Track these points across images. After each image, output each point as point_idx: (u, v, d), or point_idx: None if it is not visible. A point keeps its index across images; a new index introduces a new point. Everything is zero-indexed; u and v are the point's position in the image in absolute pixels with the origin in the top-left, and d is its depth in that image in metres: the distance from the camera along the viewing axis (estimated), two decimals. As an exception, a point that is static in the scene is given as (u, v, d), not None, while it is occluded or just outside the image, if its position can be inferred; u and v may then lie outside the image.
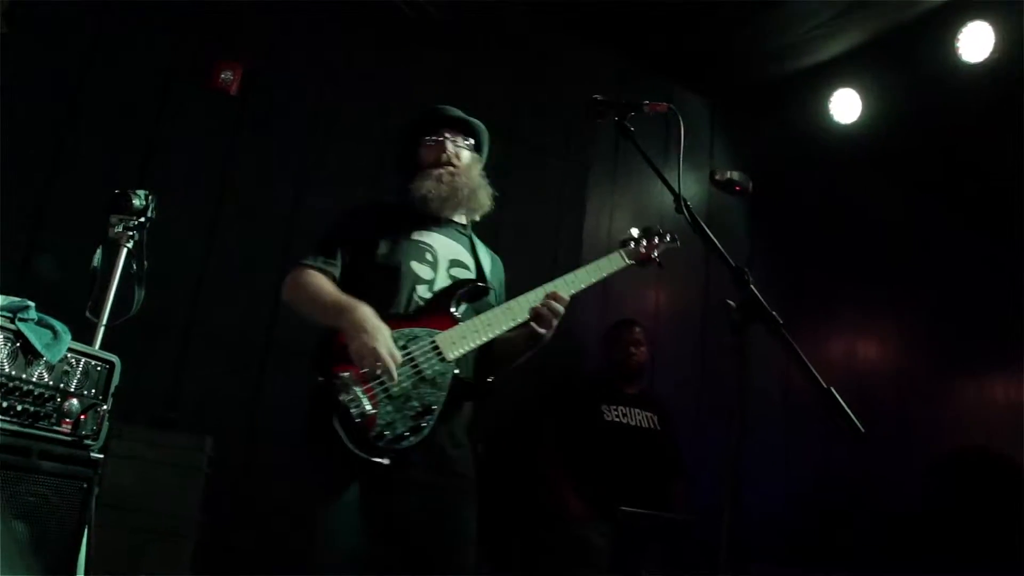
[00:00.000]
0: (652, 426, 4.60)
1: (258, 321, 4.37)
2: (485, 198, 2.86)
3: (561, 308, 2.58)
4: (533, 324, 2.56)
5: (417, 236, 2.67)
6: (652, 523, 4.03)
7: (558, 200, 5.35)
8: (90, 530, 2.57)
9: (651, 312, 5.53)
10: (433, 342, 2.44)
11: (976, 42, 4.88)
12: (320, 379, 2.34)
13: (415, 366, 2.39)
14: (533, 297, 2.59)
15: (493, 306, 2.62)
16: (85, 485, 2.57)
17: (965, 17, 4.86)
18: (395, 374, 2.32)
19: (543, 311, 2.56)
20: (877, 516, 5.57)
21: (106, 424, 2.67)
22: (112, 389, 2.73)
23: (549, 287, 2.62)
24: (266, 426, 4.18)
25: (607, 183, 5.58)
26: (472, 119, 2.95)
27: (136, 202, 3.11)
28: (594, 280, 2.74)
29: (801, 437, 5.63)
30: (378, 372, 2.30)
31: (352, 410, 2.27)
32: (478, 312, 2.59)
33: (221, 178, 4.47)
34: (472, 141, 2.93)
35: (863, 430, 1.70)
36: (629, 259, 2.86)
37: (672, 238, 2.96)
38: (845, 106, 5.62)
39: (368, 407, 2.29)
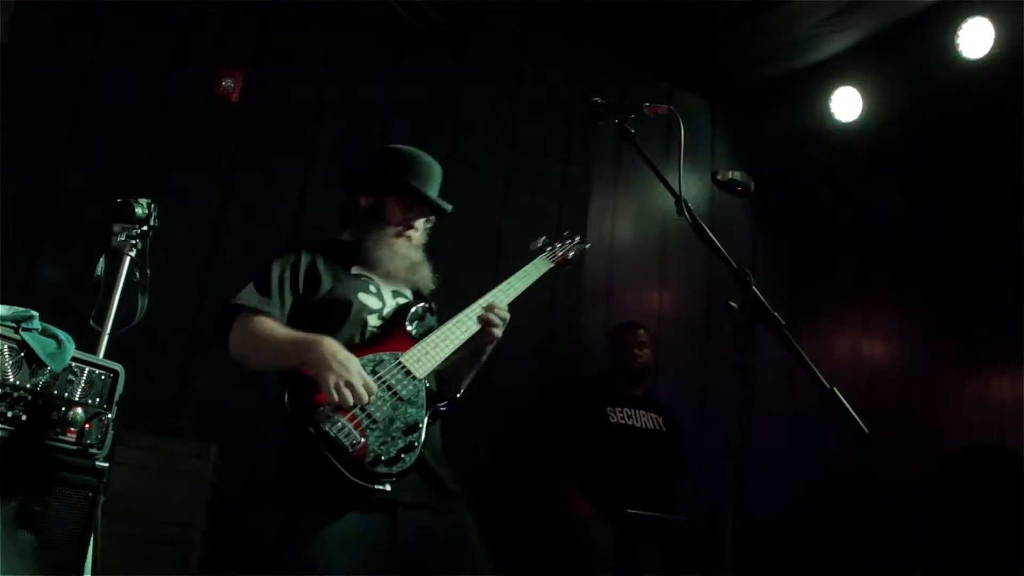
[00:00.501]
0: (657, 427, 4.60)
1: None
2: (422, 277, 2.79)
3: (505, 315, 2.64)
4: (486, 332, 2.61)
5: (356, 271, 2.68)
6: (657, 525, 4.02)
7: (560, 203, 5.35)
8: (95, 539, 2.57)
9: (654, 313, 5.52)
10: (400, 363, 2.46)
11: (976, 38, 4.87)
12: (308, 426, 2.26)
13: (390, 388, 2.39)
14: (477, 308, 2.64)
15: (435, 327, 2.64)
16: (90, 494, 2.57)
17: (965, 13, 4.84)
18: (374, 392, 2.32)
19: (491, 318, 2.61)
20: (882, 516, 5.55)
21: (111, 433, 2.67)
22: (117, 398, 2.73)
23: (487, 298, 2.68)
24: (271, 434, 4.17)
25: (609, 185, 5.58)
26: (448, 208, 2.86)
27: (139, 211, 3.11)
28: (525, 287, 2.81)
29: (807, 437, 5.62)
30: (356, 402, 2.28)
31: (344, 441, 2.24)
32: (426, 332, 2.61)
33: (223, 186, 4.48)
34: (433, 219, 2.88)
35: (867, 431, 1.70)
36: (551, 263, 2.97)
37: (581, 239, 3.13)
38: (846, 104, 5.61)
39: (357, 436, 2.26)
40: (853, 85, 5.57)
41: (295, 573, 2.25)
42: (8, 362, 2.46)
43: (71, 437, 2.57)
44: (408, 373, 2.45)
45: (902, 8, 4.87)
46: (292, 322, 2.53)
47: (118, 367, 2.75)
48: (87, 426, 2.60)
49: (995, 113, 5.15)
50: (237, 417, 4.17)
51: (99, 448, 2.63)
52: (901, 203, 6.49)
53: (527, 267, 2.88)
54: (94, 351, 2.89)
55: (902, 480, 5.62)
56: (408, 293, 2.76)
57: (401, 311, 2.63)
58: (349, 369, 2.30)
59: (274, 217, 4.53)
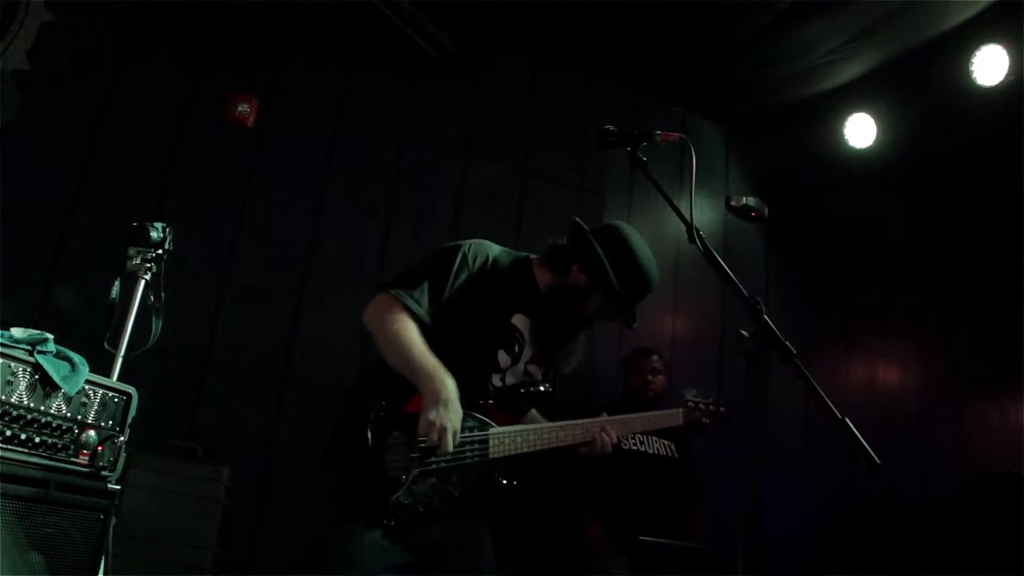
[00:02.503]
0: (670, 454, 4.57)
1: (276, 352, 4.40)
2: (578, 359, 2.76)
3: (609, 447, 2.70)
4: (590, 444, 2.67)
5: (515, 319, 2.60)
6: (670, 552, 3.99)
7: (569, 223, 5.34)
8: (107, 561, 2.57)
9: (668, 340, 5.51)
10: (485, 435, 2.45)
11: (990, 65, 4.86)
12: (383, 403, 2.31)
13: (460, 450, 2.38)
14: (588, 425, 2.67)
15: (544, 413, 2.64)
16: (102, 516, 2.57)
17: (979, 41, 4.84)
18: (447, 452, 2.31)
19: (597, 443, 2.67)
20: (898, 543, 5.50)
21: (123, 455, 2.68)
22: (129, 420, 2.74)
23: (606, 421, 2.72)
24: (284, 457, 4.18)
25: (623, 212, 5.59)
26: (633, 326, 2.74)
27: (154, 234, 3.13)
28: (647, 429, 2.98)
29: (822, 462, 5.58)
30: (435, 447, 2.28)
31: (390, 468, 2.27)
32: (537, 412, 2.62)
33: (238, 210, 4.51)
34: None
35: (878, 461, 1.68)
36: (683, 419, 3.08)
37: (726, 412, 3.17)
38: (860, 131, 5.61)
39: (401, 472, 2.28)
40: (867, 111, 5.57)
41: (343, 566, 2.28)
42: (22, 384, 2.48)
43: (84, 459, 2.58)
44: (484, 447, 2.44)
45: (916, 35, 4.87)
46: (430, 332, 2.46)
47: (131, 390, 2.76)
48: (100, 448, 2.61)
49: (1011, 140, 5.13)
50: (250, 440, 4.18)
51: (111, 470, 2.64)
52: (916, 229, 6.47)
53: (664, 412, 3.01)
54: (108, 374, 2.90)
55: (918, 507, 5.57)
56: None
57: (521, 388, 2.60)
58: (451, 418, 2.29)
59: (288, 242, 4.56)
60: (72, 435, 2.57)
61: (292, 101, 4.75)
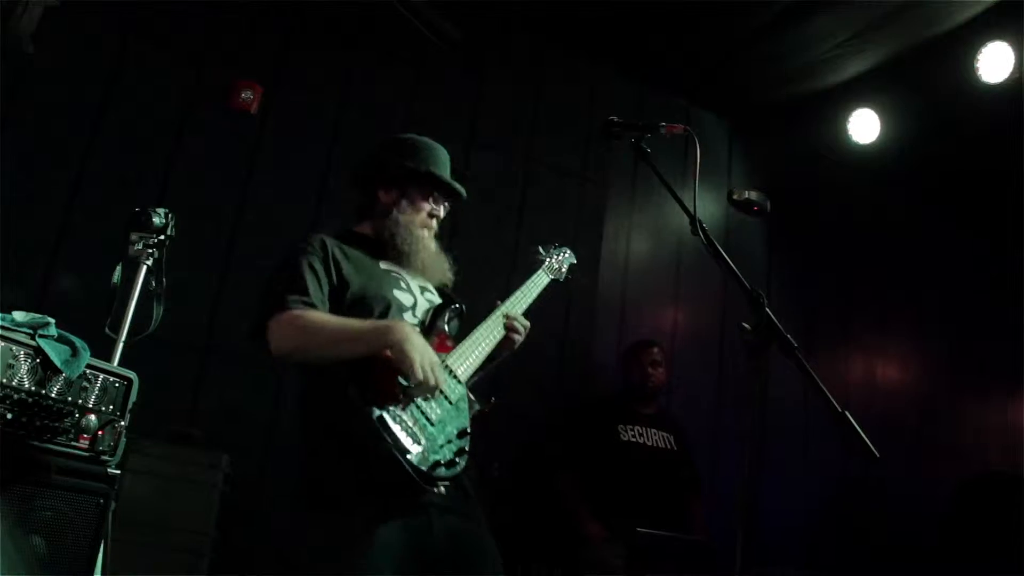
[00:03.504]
0: (669, 446, 4.58)
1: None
2: (443, 270, 2.75)
3: (526, 323, 2.69)
4: (510, 337, 2.64)
5: (385, 266, 2.61)
6: (668, 543, 4.00)
7: (576, 220, 5.35)
8: (106, 545, 2.58)
9: (669, 331, 5.51)
10: (445, 365, 2.39)
11: (996, 62, 4.86)
12: (378, 412, 2.15)
13: (442, 391, 2.34)
14: (499, 316, 2.65)
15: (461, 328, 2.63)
16: (101, 501, 2.58)
17: (985, 37, 4.83)
18: (430, 400, 2.28)
19: (515, 325, 2.64)
20: (896, 537, 5.51)
21: (123, 440, 2.69)
22: (130, 405, 2.75)
23: (502, 310, 2.68)
24: (283, 444, 4.19)
25: (625, 203, 5.59)
26: (463, 192, 2.80)
27: (156, 220, 3.14)
28: (531, 300, 2.82)
29: (822, 454, 5.59)
30: (428, 390, 2.23)
31: (405, 441, 2.15)
32: (462, 336, 2.58)
33: (240, 196, 4.51)
34: (447, 205, 2.81)
35: (877, 454, 1.69)
36: (550, 275, 2.98)
37: (570, 254, 3.11)
38: (864, 126, 5.60)
39: (419, 435, 2.20)
40: (871, 107, 5.57)
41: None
42: (23, 368, 2.49)
43: (84, 444, 2.59)
44: (453, 376, 2.41)
45: (922, 31, 4.86)
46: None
47: (132, 375, 2.77)
48: (100, 433, 2.62)
49: (1015, 138, 5.12)
50: (249, 426, 4.18)
51: (111, 455, 2.65)
52: (918, 226, 6.47)
53: (529, 281, 2.89)
54: (109, 359, 2.91)
55: (916, 502, 5.58)
56: (432, 288, 2.71)
57: (438, 310, 2.57)
58: (427, 351, 2.25)
59: (290, 229, 4.56)
60: (72, 419, 2.58)
61: (295, 88, 4.74)
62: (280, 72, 4.73)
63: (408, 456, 2.14)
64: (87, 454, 2.60)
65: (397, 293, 2.54)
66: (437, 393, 2.29)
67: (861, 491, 5.50)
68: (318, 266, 2.45)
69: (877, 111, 5.55)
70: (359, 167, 2.81)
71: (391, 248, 2.64)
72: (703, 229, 2.16)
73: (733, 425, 5.34)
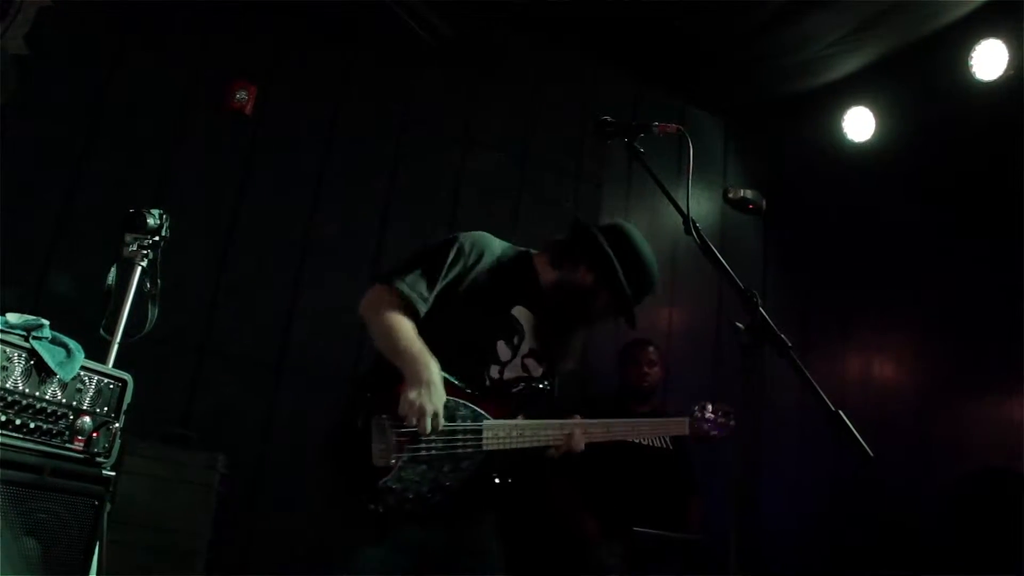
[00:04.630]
0: (665, 445, 4.58)
1: (272, 340, 4.39)
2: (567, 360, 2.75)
3: (580, 447, 2.68)
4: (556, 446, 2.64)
5: (515, 311, 2.60)
6: (664, 543, 4.00)
7: (571, 220, 5.34)
8: (101, 547, 2.58)
9: (664, 331, 5.51)
10: (479, 426, 2.43)
11: (989, 60, 4.86)
12: (369, 395, 2.30)
13: (452, 439, 2.37)
14: (586, 426, 2.67)
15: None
16: (96, 502, 2.58)
17: (978, 35, 4.83)
18: (430, 438, 2.31)
19: (569, 446, 2.65)
20: (892, 536, 5.52)
21: (118, 442, 2.69)
22: (125, 407, 2.75)
23: (594, 423, 2.71)
24: (278, 445, 4.19)
25: (621, 201, 5.59)
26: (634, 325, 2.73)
27: (151, 221, 3.13)
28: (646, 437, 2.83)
29: (817, 454, 5.59)
30: (416, 428, 2.26)
31: (375, 452, 2.24)
32: (532, 412, 2.59)
33: (235, 198, 4.51)
34: None
35: (871, 454, 1.69)
36: (688, 431, 2.98)
37: (733, 415, 2.94)
38: (859, 124, 5.60)
39: (390, 457, 2.26)
40: (866, 105, 5.56)
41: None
42: (18, 370, 2.48)
43: (78, 445, 2.59)
44: (478, 439, 2.42)
45: (916, 29, 4.86)
46: (427, 322, 2.46)
47: (127, 376, 2.77)
48: (95, 435, 2.62)
49: (1010, 135, 5.12)
50: (245, 427, 4.18)
51: (106, 457, 2.65)
52: (914, 223, 6.47)
53: (665, 419, 2.98)
54: (104, 360, 2.90)
55: (914, 502, 5.58)
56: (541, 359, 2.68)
57: (520, 383, 2.58)
58: (432, 398, 2.28)
59: (285, 229, 4.55)
60: (67, 421, 2.58)
61: (291, 88, 4.74)
62: (275, 72, 4.72)
63: (367, 460, 2.24)
64: (82, 456, 2.60)
65: (501, 345, 2.56)
66: (435, 432, 2.30)
67: (858, 491, 5.50)
68: (452, 273, 2.51)
69: (872, 109, 5.55)
70: (592, 231, 2.72)
71: (546, 311, 2.63)
72: (696, 229, 2.16)
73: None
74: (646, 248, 2.72)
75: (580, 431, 2.65)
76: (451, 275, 2.50)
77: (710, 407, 2.96)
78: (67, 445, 2.57)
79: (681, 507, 4.50)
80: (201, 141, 4.48)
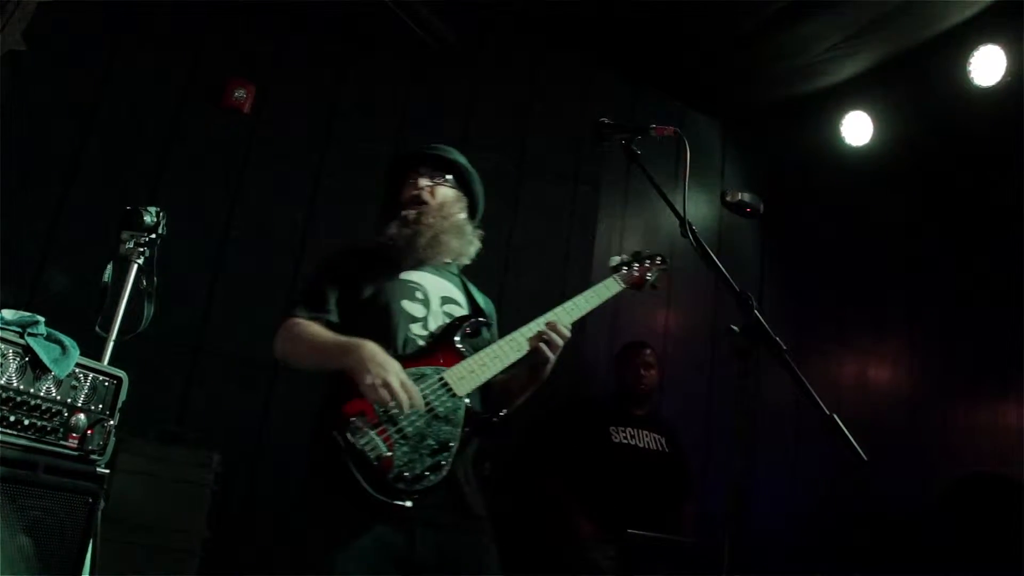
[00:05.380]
0: (660, 448, 4.58)
1: (267, 338, 4.37)
2: (460, 243, 2.74)
3: (563, 337, 2.55)
4: (541, 351, 2.52)
5: (404, 276, 2.61)
6: (659, 545, 4.00)
7: (568, 221, 5.35)
8: (95, 544, 2.58)
9: (660, 333, 5.52)
10: (442, 379, 2.39)
11: (988, 66, 4.87)
12: (335, 434, 2.22)
13: (427, 404, 2.32)
14: (535, 327, 2.55)
15: (491, 342, 2.57)
16: (90, 500, 2.58)
17: (977, 41, 4.85)
18: (418, 400, 2.27)
19: (548, 338, 2.52)
20: (884, 538, 5.52)
21: (112, 439, 2.69)
22: (119, 404, 2.74)
23: (549, 316, 2.59)
24: (273, 444, 4.19)
25: (618, 204, 5.59)
26: (455, 158, 2.82)
27: (147, 218, 3.13)
28: (592, 307, 2.71)
29: (811, 457, 5.60)
30: (392, 406, 2.23)
31: (369, 454, 2.20)
32: (478, 348, 2.52)
33: (232, 196, 4.51)
34: (450, 177, 2.80)
35: (865, 457, 1.69)
36: (623, 284, 2.85)
37: (662, 260, 2.98)
38: (857, 128, 5.61)
39: (384, 450, 2.22)
40: (864, 109, 5.58)
41: None
42: (12, 366, 2.48)
43: (73, 443, 2.59)
44: (448, 390, 2.38)
45: (915, 34, 4.87)
46: (337, 328, 2.47)
47: (122, 374, 2.77)
48: (89, 432, 2.61)
49: (1007, 141, 5.14)
50: (239, 426, 4.18)
51: (100, 454, 2.65)
52: (911, 228, 6.48)
53: (598, 286, 2.79)
54: (99, 358, 2.90)
55: (907, 505, 5.59)
56: (462, 300, 2.69)
57: (452, 325, 2.54)
58: (387, 370, 2.25)
59: (282, 229, 4.55)
60: (61, 418, 2.57)
61: (289, 88, 4.74)
62: (273, 71, 4.72)
63: (367, 469, 2.19)
64: (76, 453, 2.59)
65: (407, 304, 2.54)
66: (420, 402, 2.29)
67: (852, 493, 5.50)
68: (333, 278, 2.56)
69: (870, 113, 5.56)
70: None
71: (402, 250, 2.65)
72: (692, 231, 2.16)
73: (724, 427, 5.35)
74: None
75: (542, 329, 2.56)
76: (334, 281, 2.56)
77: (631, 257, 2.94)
78: (61, 442, 2.57)
79: (675, 509, 4.51)
80: (199, 139, 4.48)
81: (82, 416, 2.61)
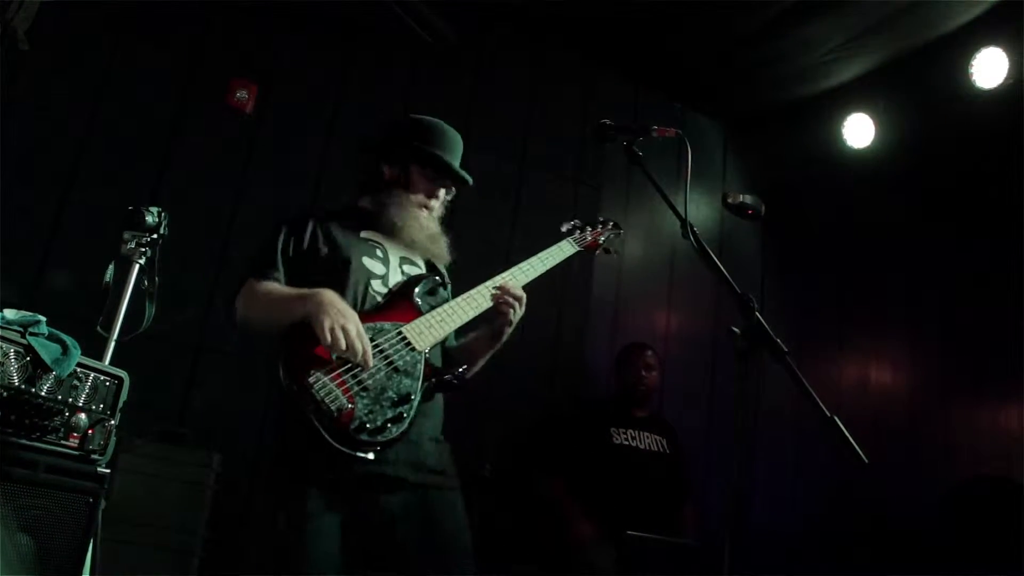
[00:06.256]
0: (661, 450, 4.58)
1: (268, 338, 4.38)
2: (443, 249, 2.74)
3: (519, 294, 2.60)
4: (502, 311, 2.57)
5: (365, 234, 2.62)
6: (659, 547, 4.00)
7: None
8: (96, 544, 2.58)
9: (661, 335, 5.51)
10: (400, 333, 2.40)
11: (990, 68, 4.87)
12: (292, 385, 2.21)
13: (386, 357, 2.33)
14: (491, 285, 2.60)
15: (448, 300, 2.60)
16: (91, 499, 2.58)
17: (979, 43, 4.84)
18: (369, 355, 2.26)
19: (505, 298, 2.57)
20: (885, 542, 5.52)
21: (113, 439, 2.69)
22: (120, 404, 2.74)
23: (502, 276, 2.64)
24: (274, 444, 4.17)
25: (619, 204, 5.59)
26: (470, 180, 2.82)
27: (149, 219, 3.14)
28: (545, 269, 2.78)
29: (812, 459, 5.60)
30: (348, 354, 2.23)
31: (330, 405, 2.18)
32: (435, 307, 2.54)
33: (234, 196, 4.51)
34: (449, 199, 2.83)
35: (866, 460, 1.69)
36: (577, 247, 2.93)
37: (614, 225, 3.08)
38: (858, 131, 5.61)
39: (344, 401, 2.20)
40: (866, 112, 5.57)
41: (296, 566, 2.21)
42: (13, 366, 2.48)
43: (73, 442, 2.59)
44: (407, 344, 2.39)
45: (916, 37, 4.87)
46: (292, 283, 2.46)
47: (123, 374, 2.77)
48: (90, 432, 2.61)
49: (1009, 143, 5.13)
50: (240, 426, 4.17)
51: (101, 454, 2.65)
52: (912, 231, 6.47)
53: (551, 248, 2.83)
54: (100, 357, 2.90)
55: (907, 507, 5.59)
56: (420, 263, 2.70)
57: (410, 282, 2.56)
58: (346, 316, 2.26)
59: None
60: (63, 418, 2.57)
61: (291, 88, 4.74)
62: (275, 71, 4.72)
63: (327, 420, 2.17)
64: (77, 453, 2.59)
65: (367, 260, 2.55)
66: (370, 358, 2.28)
67: (853, 496, 5.50)
68: (290, 239, 2.53)
69: (872, 116, 5.56)
70: (367, 138, 2.84)
71: (381, 219, 2.65)
72: (694, 233, 2.16)
73: (725, 429, 5.34)
74: (424, 117, 2.84)
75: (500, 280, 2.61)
76: (290, 236, 2.53)
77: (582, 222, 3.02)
78: (62, 442, 2.57)
79: (676, 511, 4.51)
80: (201, 139, 4.48)
81: (83, 416, 2.62)
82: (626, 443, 4.50)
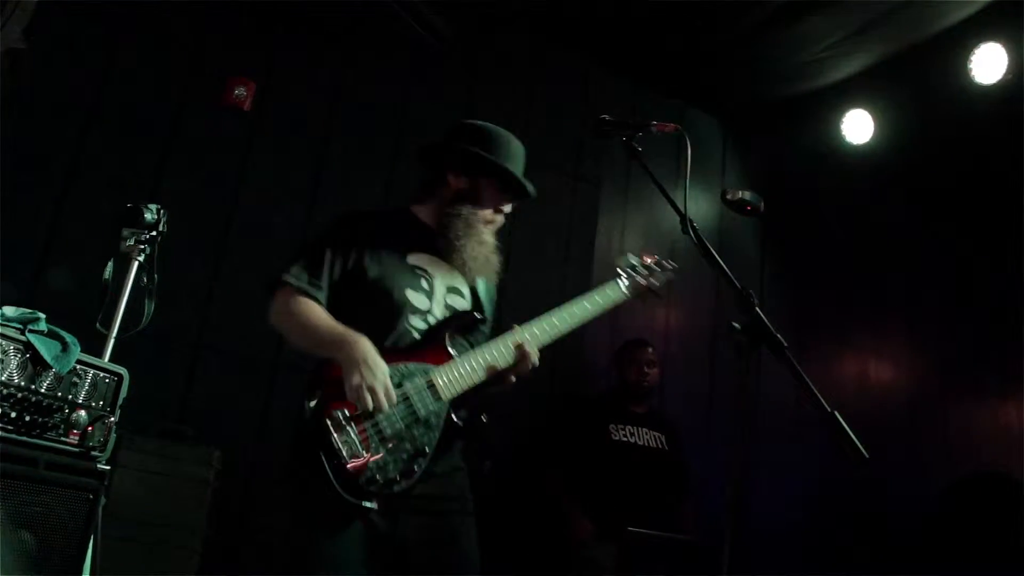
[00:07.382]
0: (660, 446, 4.58)
1: (268, 335, 4.35)
2: (498, 265, 2.70)
3: (535, 362, 2.55)
4: (521, 368, 2.54)
5: (413, 260, 2.56)
6: (658, 543, 4.00)
7: (569, 218, 5.35)
8: (96, 541, 2.58)
9: (661, 331, 5.51)
10: (429, 380, 2.37)
11: (989, 64, 4.87)
12: (312, 404, 2.25)
13: (410, 405, 2.32)
14: (518, 335, 2.53)
15: (486, 335, 2.57)
16: (91, 496, 2.58)
17: (978, 39, 4.85)
18: (389, 414, 2.27)
19: (524, 364, 2.52)
20: (884, 539, 5.53)
21: (113, 436, 2.68)
22: (120, 401, 2.74)
23: (531, 328, 2.58)
24: (274, 440, 4.18)
25: (619, 201, 5.59)
26: (534, 195, 2.75)
27: (148, 216, 3.13)
28: (588, 318, 2.72)
29: (812, 455, 5.59)
30: (371, 410, 2.24)
31: (343, 450, 2.20)
32: (471, 342, 2.53)
33: (233, 194, 4.50)
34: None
35: (866, 455, 1.69)
36: (627, 293, 2.82)
37: (671, 266, 2.94)
38: (857, 127, 5.61)
39: (359, 447, 2.22)
40: (865, 108, 5.57)
41: (304, 572, 2.24)
42: (13, 363, 2.48)
43: (73, 439, 2.59)
44: (434, 391, 2.37)
45: (915, 32, 4.87)
46: (334, 302, 2.45)
47: (123, 371, 2.77)
48: (90, 429, 2.61)
49: (1009, 138, 5.13)
50: (240, 423, 4.18)
51: (101, 451, 2.64)
52: (912, 226, 6.48)
53: (596, 292, 2.75)
54: (100, 354, 2.90)
55: (907, 504, 5.59)
56: (465, 291, 2.63)
57: (447, 322, 2.51)
58: (375, 375, 2.24)
59: (283, 227, 4.55)
60: (62, 415, 2.57)
61: (290, 86, 4.73)
62: (274, 70, 4.72)
63: (337, 463, 2.19)
64: (77, 450, 2.59)
65: (411, 294, 2.49)
66: (392, 408, 2.28)
67: (853, 492, 5.50)
68: (336, 258, 2.48)
69: (871, 112, 5.56)
70: (429, 146, 2.75)
71: (440, 237, 2.59)
72: (693, 228, 2.16)
73: (724, 425, 5.35)
74: (488, 124, 2.75)
75: (524, 341, 2.53)
76: (338, 252, 2.48)
77: (640, 258, 2.88)
78: (62, 439, 2.56)
79: (675, 507, 4.51)
80: (199, 137, 4.47)
81: (83, 413, 2.61)
82: (625, 439, 4.50)
